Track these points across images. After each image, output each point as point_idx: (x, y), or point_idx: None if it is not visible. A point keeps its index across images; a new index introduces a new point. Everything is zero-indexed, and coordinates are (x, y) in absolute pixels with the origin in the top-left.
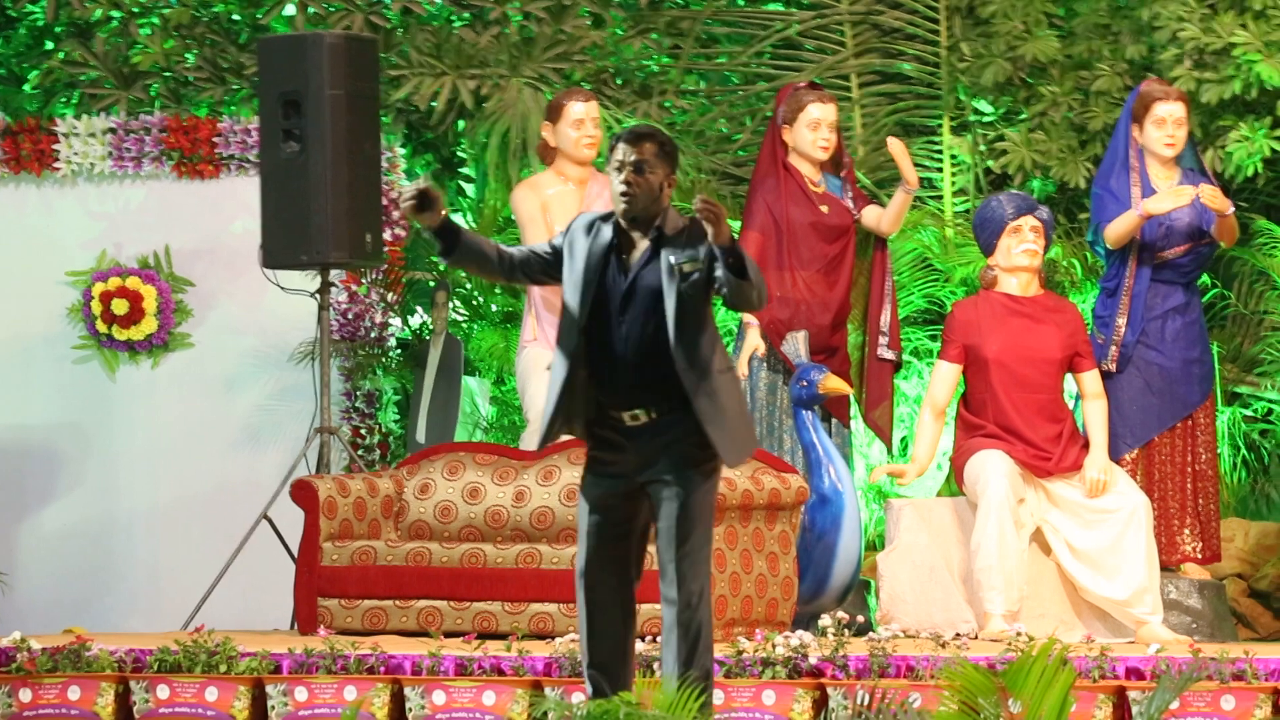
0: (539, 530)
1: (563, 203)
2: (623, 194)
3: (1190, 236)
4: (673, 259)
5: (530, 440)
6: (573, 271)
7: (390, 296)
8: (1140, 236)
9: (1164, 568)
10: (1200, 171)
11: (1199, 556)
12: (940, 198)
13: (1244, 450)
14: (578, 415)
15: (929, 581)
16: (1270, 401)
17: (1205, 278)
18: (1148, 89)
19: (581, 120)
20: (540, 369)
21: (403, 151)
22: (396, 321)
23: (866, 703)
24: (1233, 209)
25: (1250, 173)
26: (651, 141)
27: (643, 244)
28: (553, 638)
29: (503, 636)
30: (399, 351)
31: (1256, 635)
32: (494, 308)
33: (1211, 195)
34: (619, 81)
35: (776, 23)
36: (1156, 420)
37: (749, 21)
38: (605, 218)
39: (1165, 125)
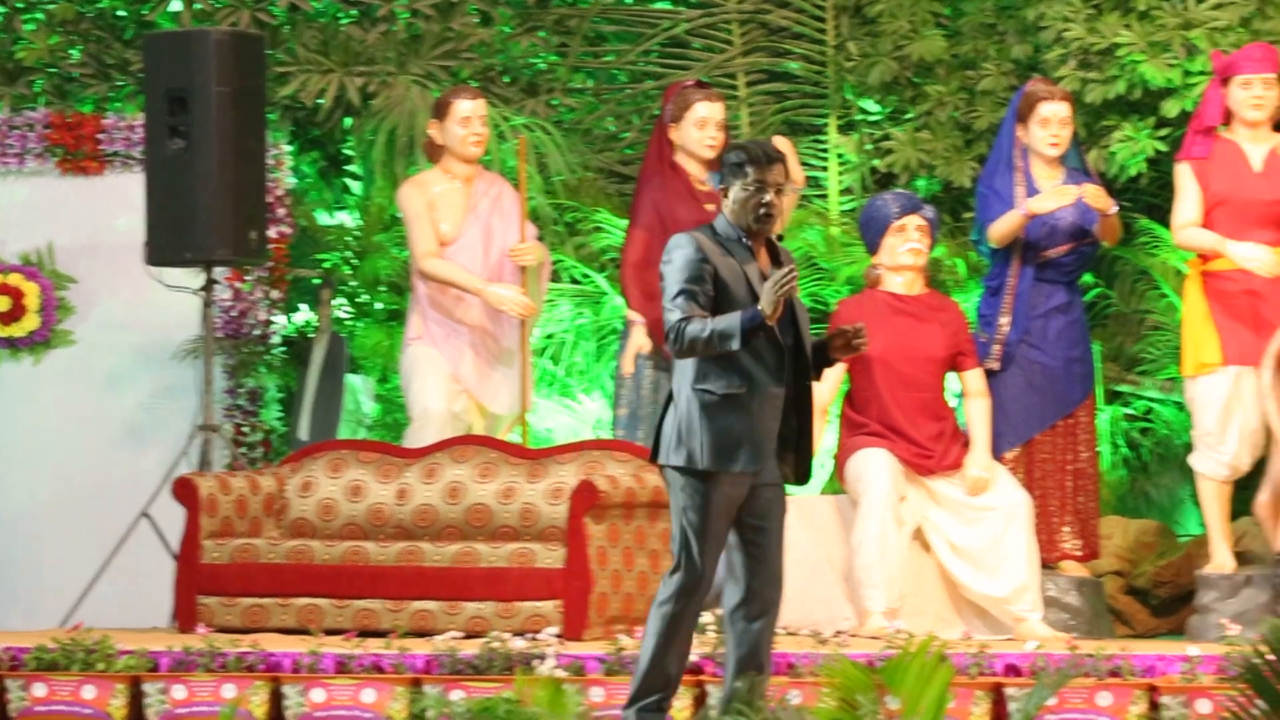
0: (421, 528)
1: (449, 200)
2: (769, 215)
3: (1073, 236)
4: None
5: (414, 438)
6: (738, 295)
7: (274, 294)
8: (1024, 235)
9: (1043, 565)
10: (1084, 171)
11: (1078, 554)
12: (826, 196)
13: (1124, 448)
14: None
15: (810, 579)
16: (1150, 400)
17: (1088, 277)
18: (1033, 89)
19: (469, 118)
20: (424, 367)
21: (289, 149)
22: (280, 319)
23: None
24: (1116, 208)
25: (1133, 172)
26: (783, 165)
27: (764, 257)
28: (433, 635)
29: (383, 634)
30: (283, 349)
31: (1133, 632)
32: (378, 305)
33: (1095, 195)
34: (506, 79)
35: (664, 21)
36: (1038, 418)
37: (637, 20)
38: (721, 237)
39: (1050, 125)
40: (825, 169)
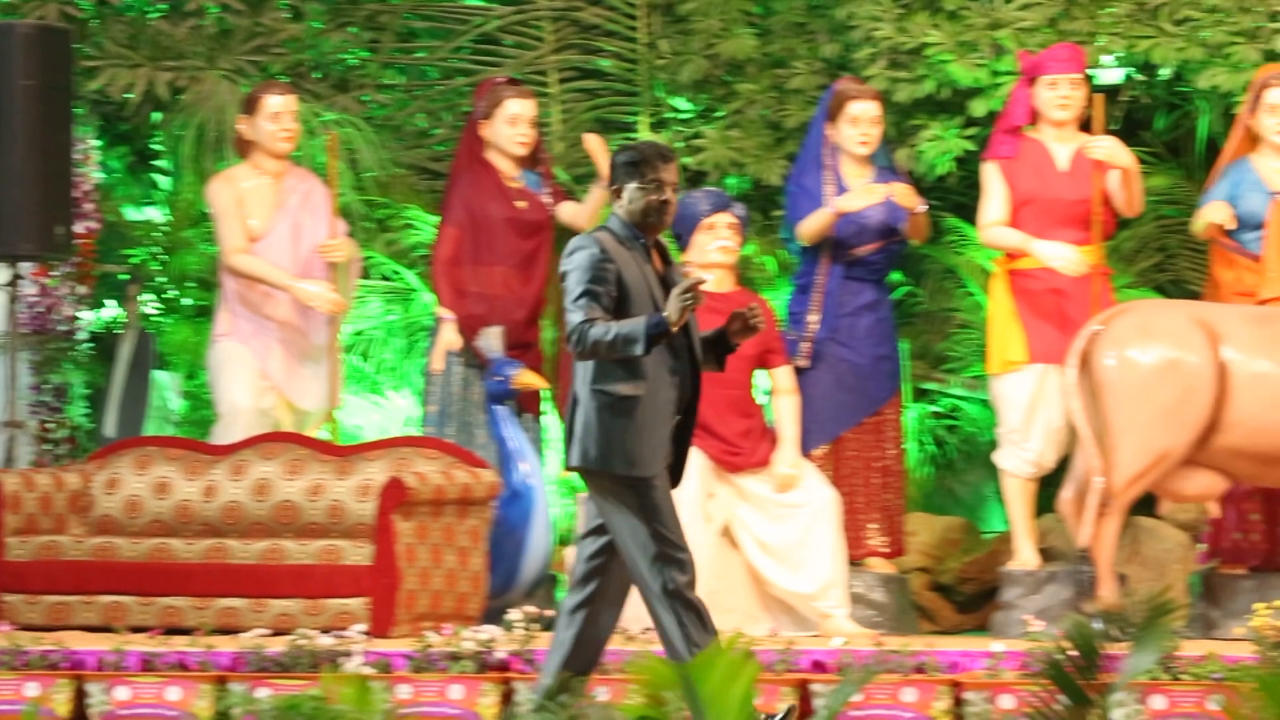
0: (228, 525)
1: (259, 196)
2: (667, 213)
3: (882, 234)
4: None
5: (222, 435)
6: (639, 296)
7: (81, 289)
8: (833, 234)
9: (850, 562)
10: (893, 170)
11: (884, 551)
12: None
13: (930, 446)
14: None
15: None
16: (956, 398)
17: (896, 275)
18: (842, 88)
19: (279, 114)
20: (232, 363)
21: (97, 144)
22: (87, 315)
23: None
24: (924, 207)
25: (941, 171)
26: (676, 163)
27: (655, 258)
28: (239, 632)
29: (189, 631)
30: (89, 345)
31: (938, 628)
32: (187, 301)
33: (903, 193)
34: (317, 75)
35: (476, 18)
36: (846, 416)
37: (448, 16)
38: (619, 237)
39: (859, 124)
40: None
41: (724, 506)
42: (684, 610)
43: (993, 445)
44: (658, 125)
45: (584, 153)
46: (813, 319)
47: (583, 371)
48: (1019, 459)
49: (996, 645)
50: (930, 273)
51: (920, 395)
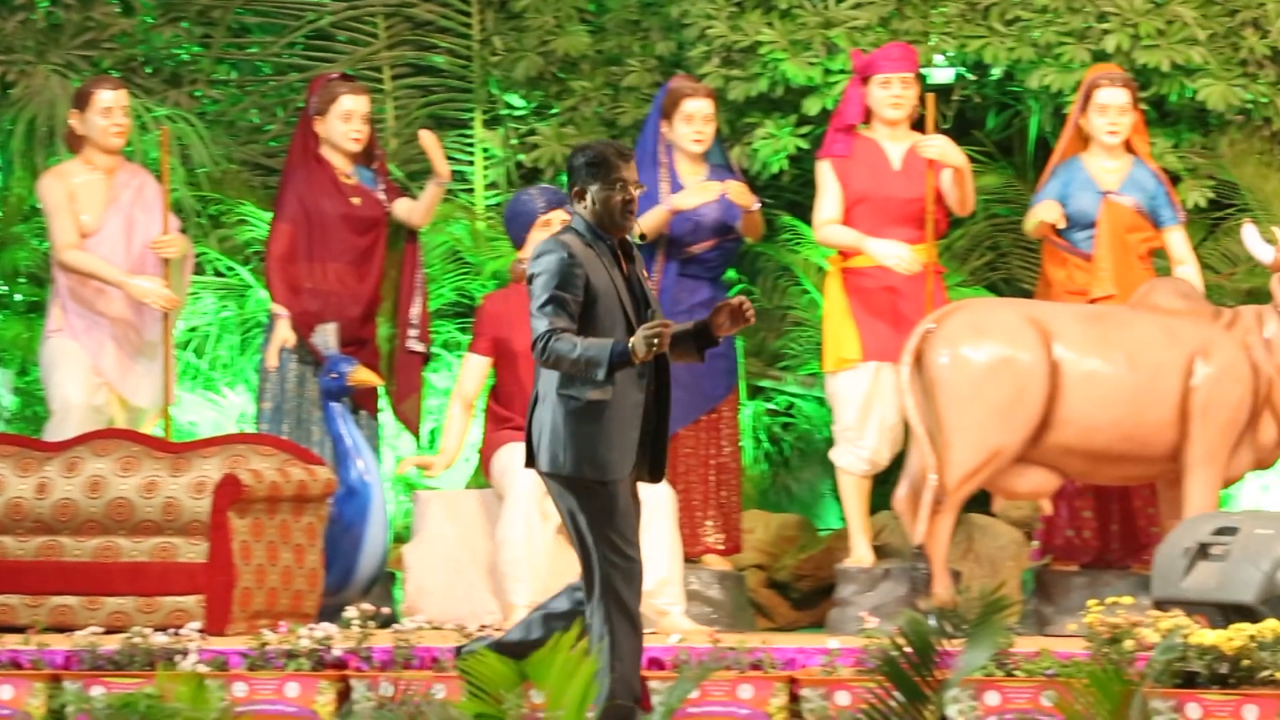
0: (61, 523)
1: (90, 191)
2: (632, 213)
3: (717, 232)
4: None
5: (54, 432)
6: (607, 298)
7: None
8: (668, 231)
9: (686, 559)
10: (727, 168)
11: (720, 548)
12: (472, 191)
13: (766, 443)
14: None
15: (455, 573)
16: (792, 395)
17: (731, 273)
18: (676, 86)
19: (110, 109)
20: (65, 359)
21: None
22: None
23: (390, 694)
24: (758, 205)
25: (776, 170)
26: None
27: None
28: (73, 630)
29: (21, 630)
30: None
31: (774, 625)
32: (18, 297)
33: (738, 191)
34: (149, 70)
35: (309, 13)
36: (682, 414)
37: (281, 12)
38: (585, 239)
39: (694, 121)
40: (471, 163)
41: None
42: (617, 616)
43: (828, 443)
44: (492, 122)
45: (418, 149)
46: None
47: (549, 374)
48: (854, 456)
49: (832, 642)
50: (765, 271)
51: (756, 393)
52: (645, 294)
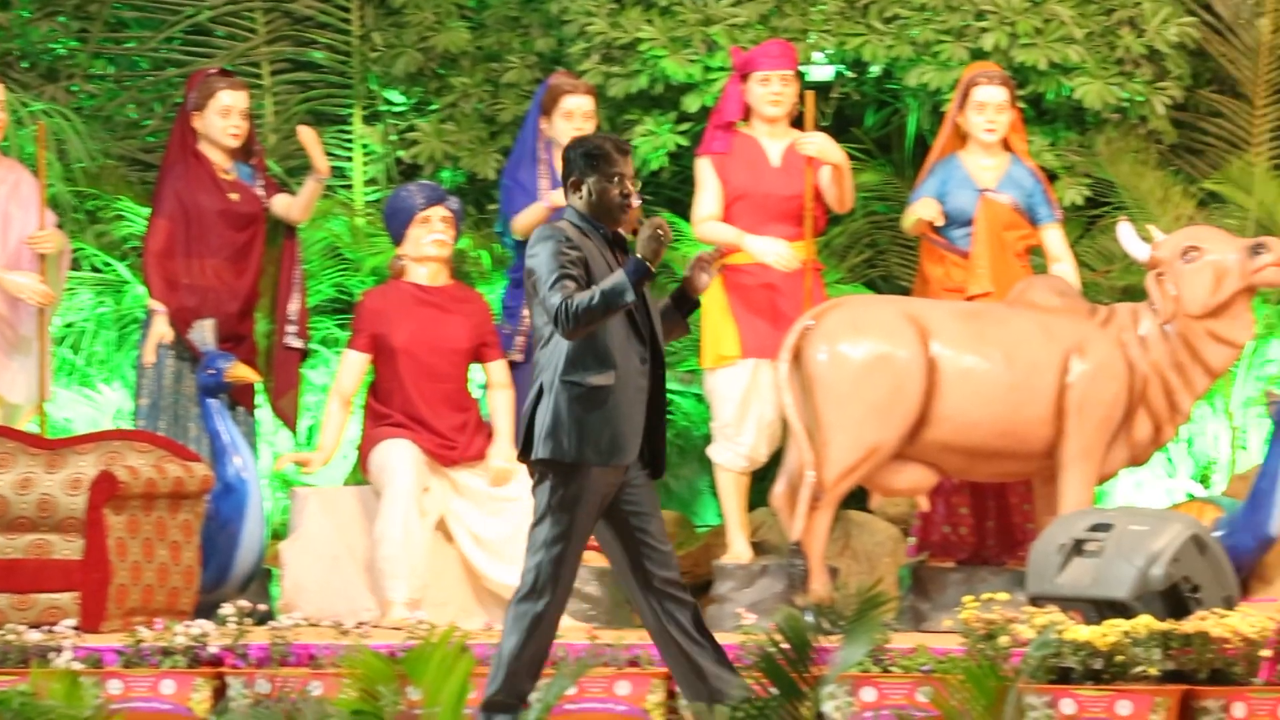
0: None
1: None
2: (630, 206)
3: None
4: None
5: None
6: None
7: None
8: None
9: None
10: None
11: (598, 544)
12: (351, 187)
13: None
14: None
15: (332, 570)
16: (670, 392)
17: None
18: (556, 82)
19: None
20: None
21: None
22: None
23: (267, 691)
24: (638, 202)
25: (656, 167)
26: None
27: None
28: None
29: None
30: None
31: None
32: None
33: None
34: (25, 65)
35: (187, 8)
36: None
37: (159, 6)
38: (580, 228)
39: (574, 118)
40: (350, 159)
41: (439, 500)
42: (541, 619)
43: (706, 439)
44: (371, 118)
45: (297, 145)
46: (527, 313)
47: (551, 364)
48: (732, 453)
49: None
50: None
51: None
52: (643, 295)
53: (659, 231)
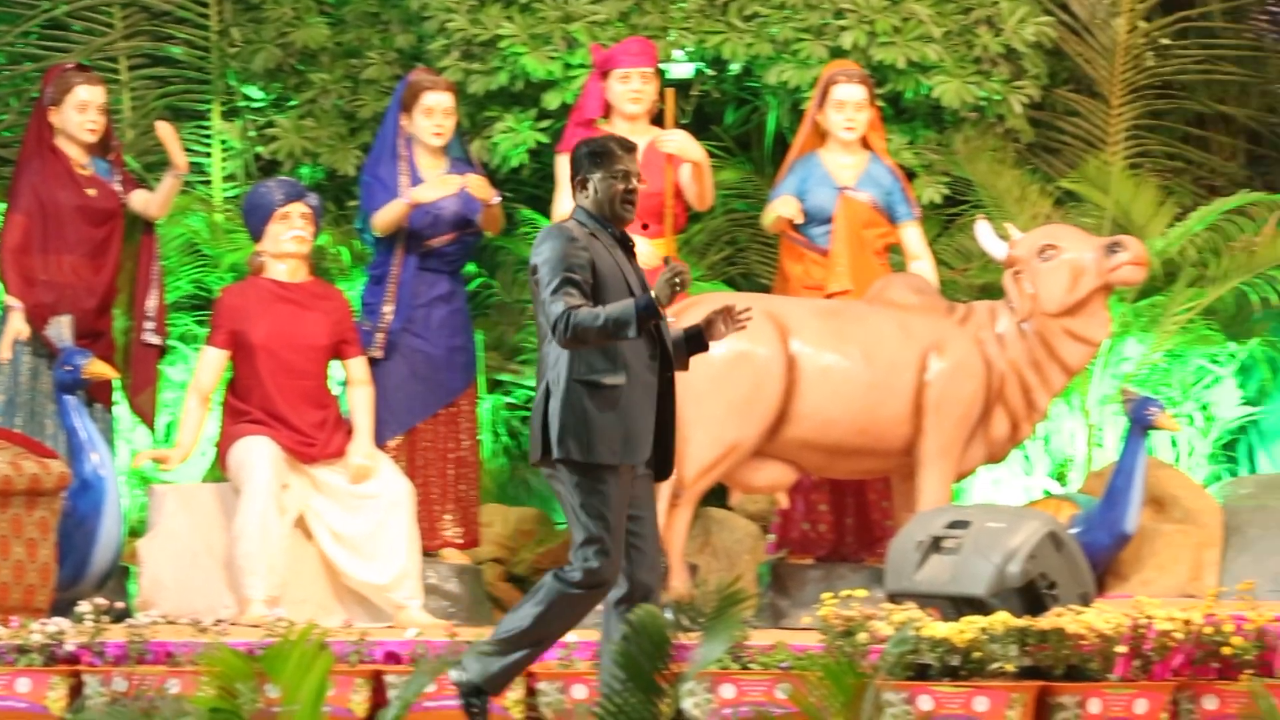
0: None
1: None
2: (633, 202)
3: (456, 225)
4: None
5: None
6: (614, 282)
7: None
8: (408, 225)
9: (424, 553)
10: (467, 161)
11: (459, 541)
12: (210, 183)
13: (505, 437)
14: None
15: (190, 567)
16: (531, 389)
17: (471, 266)
18: (416, 79)
19: None
20: None
21: None
22: None
23: (124, 689)
24: (498, 199)
25: (515, 163)
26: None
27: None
28: None
29: None
30: None
31: None
32: None
33: (478, 185)
34: None
35: (43, 2)
36: (421, 407)
37: (15, 1)
38: (587, 227)
39: (434, 115)
40: (209, 155)
41: (298, 497)
42: (555, 616)
43: None
44: (230, 113)
45: (155, 140)
46: (387, 310)
47: (560, 363)
48: None
49: (570, 636)
50: (505, 264)
51: (495, 386)
52: (645, 284)
53: (677, 278)
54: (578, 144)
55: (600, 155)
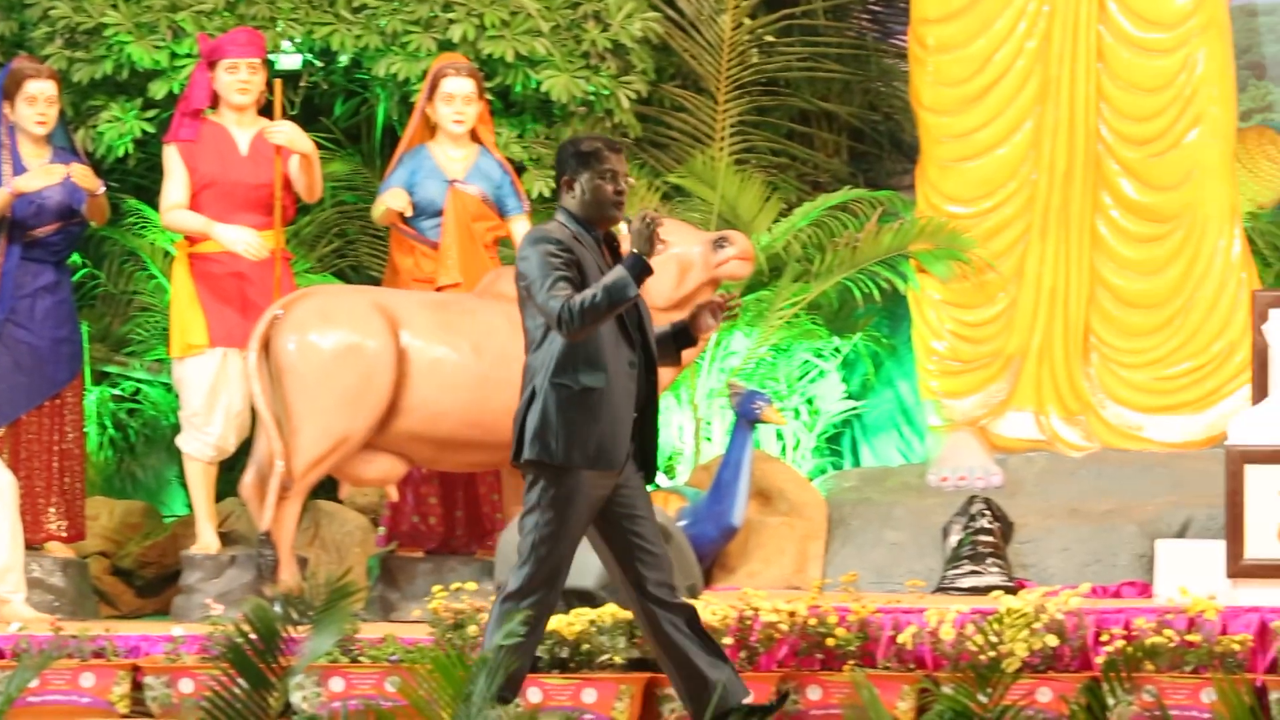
0: None
1: None
2: (621, 203)
3: (61, 215)
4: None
5: None
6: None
7: None
8: (11, 214)
9: (28, 546)
10: (72, 150)
11: (63, 535)
12: None
13: (111, 429)
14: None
15: None
16: (139, 381)
17: (76, 257)
18: (19, 66)
19: None
20: None
21: None
22: None
23: None
24: (104, 188)
25: (121, 153)
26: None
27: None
28: None
29: None
30: None
31: (118, 613)
32: None
33: (83, 174)
34: None
35: None
36: (25, 398)
37: None
38: (571, 230)
39: (36, 103)
40: None
41: None
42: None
43: (175, 429)
44: None
45: None
46: None
47: (541, 366)
48: (200, 442)
49: (177, 629)
50: (111, 255)
51: (101, 378)
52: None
53: (649, 222)
54: (565, 144)
55: (588, 155)
